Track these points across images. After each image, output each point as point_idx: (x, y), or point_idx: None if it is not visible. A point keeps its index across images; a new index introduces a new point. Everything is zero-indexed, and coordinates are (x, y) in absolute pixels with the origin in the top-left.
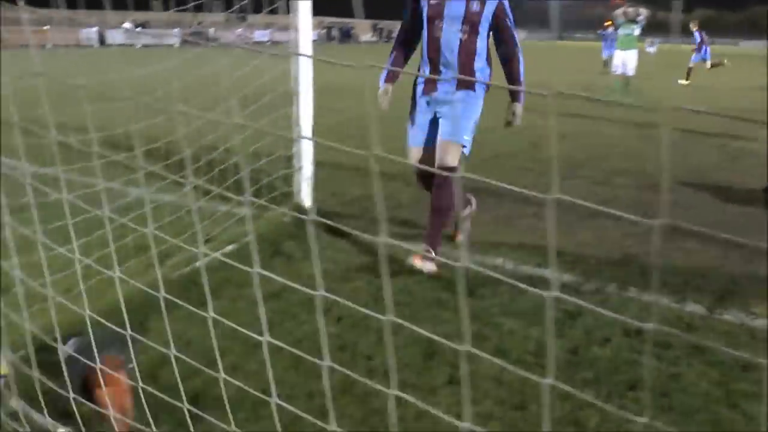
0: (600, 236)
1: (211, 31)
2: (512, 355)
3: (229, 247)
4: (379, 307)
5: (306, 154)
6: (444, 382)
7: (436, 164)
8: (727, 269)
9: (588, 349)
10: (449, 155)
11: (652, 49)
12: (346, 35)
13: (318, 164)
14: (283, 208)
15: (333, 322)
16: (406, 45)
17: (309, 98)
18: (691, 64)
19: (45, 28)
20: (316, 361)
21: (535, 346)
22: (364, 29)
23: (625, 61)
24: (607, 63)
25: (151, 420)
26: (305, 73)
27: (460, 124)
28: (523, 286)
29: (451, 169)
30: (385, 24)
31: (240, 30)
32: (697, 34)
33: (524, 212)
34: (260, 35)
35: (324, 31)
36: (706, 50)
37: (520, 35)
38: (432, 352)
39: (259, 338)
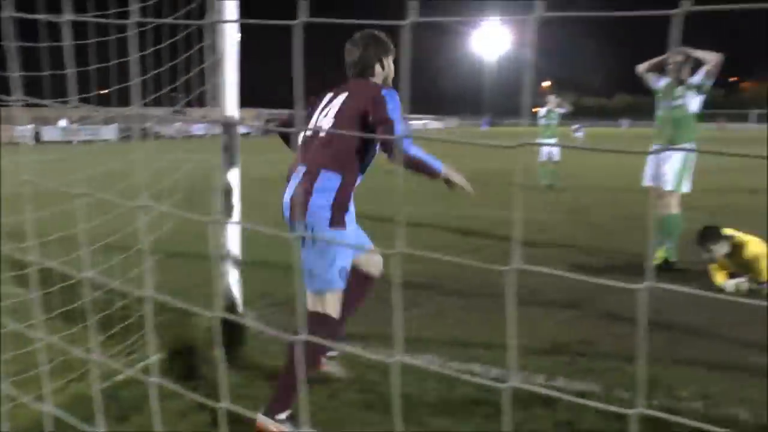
0: (530, 327)
1: (149, 125)
2: None
3: (153, 358)
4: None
5: (234, 252)
6: None
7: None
8: (654, 354)
9: None
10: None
11: (580, 134)
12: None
13: (247, 263)
14: (211, 311)
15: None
16: None
17: (236, 192)
18: None
19: None
20: None
21: None
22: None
23: (549, 148)
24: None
25: None
26: (233, 166)
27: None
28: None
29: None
30: None
31: (178, 124)
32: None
33: (453, 305)
34: (197, 129)
35: (265, 122)
36: None
37: (454, 122)
38: None
39: None
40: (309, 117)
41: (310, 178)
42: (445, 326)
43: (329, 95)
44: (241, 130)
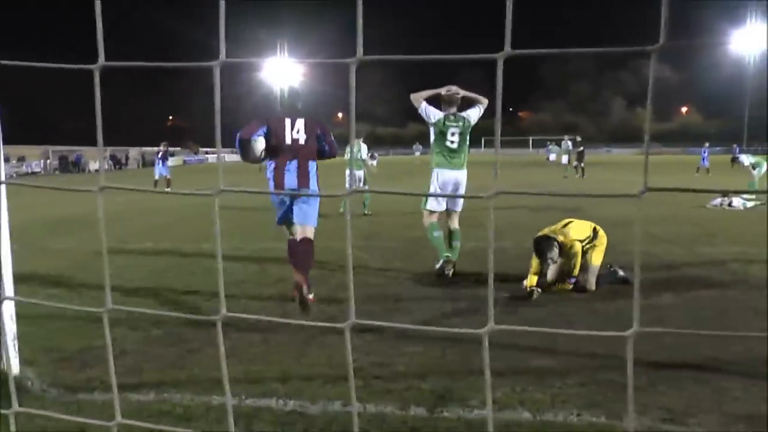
0: (328, 354)
1: None
2: None
3: None
4: None
5: (6, 309)
6: None
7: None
8: (447, 368)
9: None
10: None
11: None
12: (75, 164)
13: (25, 318)
14: None
15: None
16: None
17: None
18: None
19: None
20: None
21: None
22: (93, 156)
23: (356, 176)
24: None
25: None
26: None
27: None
28: None
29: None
30: (115, 150)
31: None
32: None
33: (251, 340)
34: None
35: (48, 161)
36: None
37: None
38: None
39: None
40: (280, 129)
41: (304, 165)
42: (241, 363)
43: (288, 120)
44: (37, 167)
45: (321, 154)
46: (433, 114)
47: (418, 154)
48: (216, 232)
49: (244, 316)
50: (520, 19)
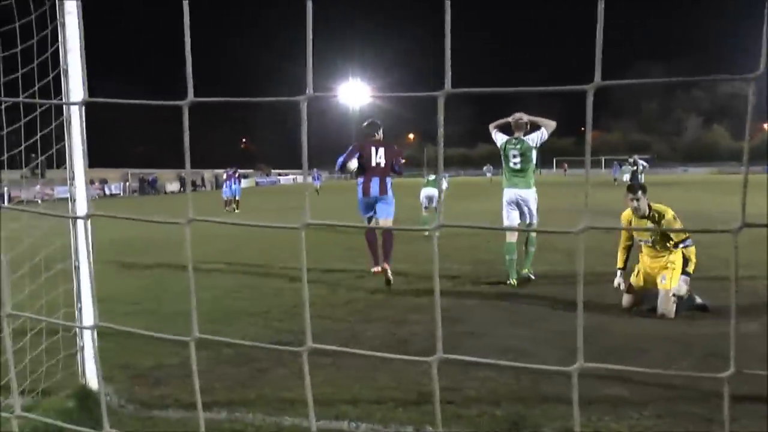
0: (397, 378)
1: (5, 189)
2: None
3: None
4: None
5: (87, 326)
6: None
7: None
8: (520, 394)
9: None
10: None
11: (444, 185)
12: (152, 185)
13: (103, 336)
14: (66, 391)
15: None
16: None
17: (86, 265)
18: None
19: None
20: None
21: None
22: (169, 178)
23: (430, 196)
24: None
25: None
26: (81, 237)
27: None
28: None
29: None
30: (186, 172)
31: (38, 187)
32: None
33: (321, 363)
34: (62, 191)
35: (127, 183)
36: None
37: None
38: None
39: None
40: (368, 154)
41: (383, 180)
42: (314, 385)
43: (374, 148)
44: (115, 189)
45: (393, 171)
46: (498, 139)
47: (489, 175)
48: (188, 260)
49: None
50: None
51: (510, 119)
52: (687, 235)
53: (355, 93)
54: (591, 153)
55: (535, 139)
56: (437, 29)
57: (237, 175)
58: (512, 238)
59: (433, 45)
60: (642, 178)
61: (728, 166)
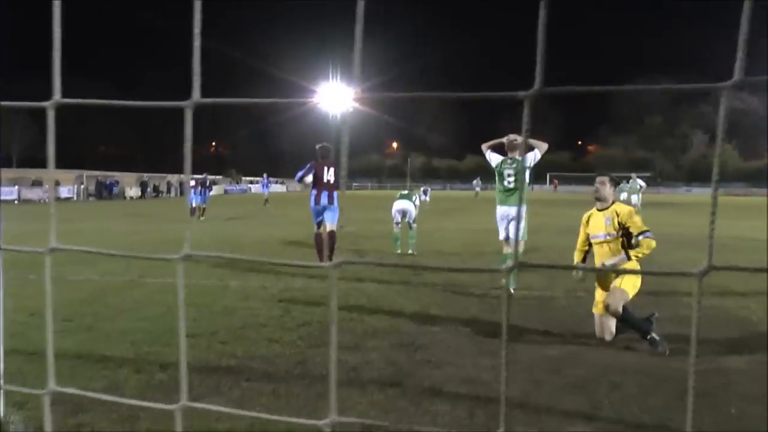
0: (342, 408)
1: None
2: None
3: None
4: None
5: None
6: None
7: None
8: (473, 430)
9: None
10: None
11: (425, 198)
12: (109, 190)
13: (22, 354)
14: None
15: None
16: None
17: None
18: None
19: None
20: None
21: None
22: (129, 183)
23: (403, 210)
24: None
25: None
26: None
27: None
28: None
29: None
30: (152, 177)
31: None
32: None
33: (263, 390)
34: (7, 192)
35: (82, 186)
36: None
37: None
38: None
39: None
40: (321, 173)
41: (331, 192)
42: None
43: (326, 166)
44: (68, 193)
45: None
46: (493, 159)
47: (478, 189)
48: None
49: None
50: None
51: (504, 140)
52: (647, 228)
53: (332, 94)
54: (585, 169)
55: (529, 159)
56: (427, 27)
57: (207, 183)
58: (507, 249)
59: (423, 45)
60: (640, 197)
61: (736, 187)
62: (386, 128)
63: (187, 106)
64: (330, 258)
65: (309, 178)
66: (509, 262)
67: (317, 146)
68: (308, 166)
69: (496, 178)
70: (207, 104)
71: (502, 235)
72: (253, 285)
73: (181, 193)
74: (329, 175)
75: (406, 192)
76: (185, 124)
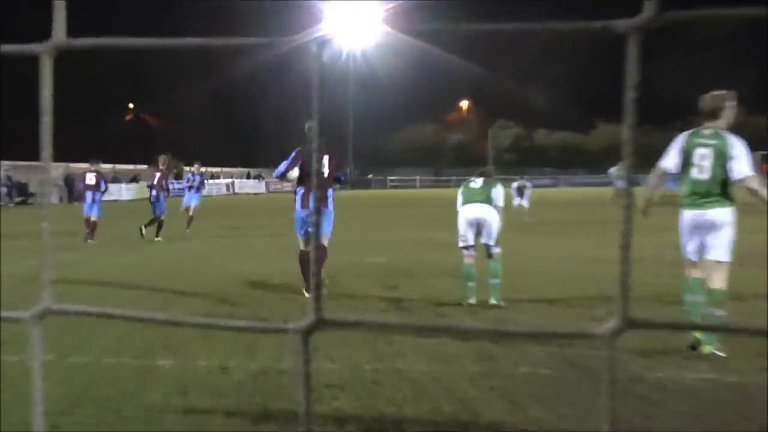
0: None
1: None
2: None
3: None
4: None
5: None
6: None
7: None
8: None
9: None
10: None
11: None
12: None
13: None
14: None
15: None
16: None
17: None
18: None
19: None
20: None
21: None
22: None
23: (480, 221)
24: None
25: None
26: None
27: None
28: None
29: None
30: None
31: None
32: None
33: None
34: None
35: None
36: None
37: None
38: None
39: None
40: (306, 166)
41: (323, 191)
42: None
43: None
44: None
45: (338, 181)
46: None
47: (619, 185)
48: None
49: None
50: None
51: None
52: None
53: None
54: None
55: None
56: None
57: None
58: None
59: None
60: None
61: None
62: (446, 75)
63: (44, 52)
64: (318, 287)
65: (294, 173)
66: (699, 297)
67: (306, 125)
68: (293, 154)
69: (679, 164)
70: (77, 47)
71: (690, 251)
72: (201, 365)
73: (71, 197)
74: (323, 166)
75: (477, 184)
76: (41, 81)
